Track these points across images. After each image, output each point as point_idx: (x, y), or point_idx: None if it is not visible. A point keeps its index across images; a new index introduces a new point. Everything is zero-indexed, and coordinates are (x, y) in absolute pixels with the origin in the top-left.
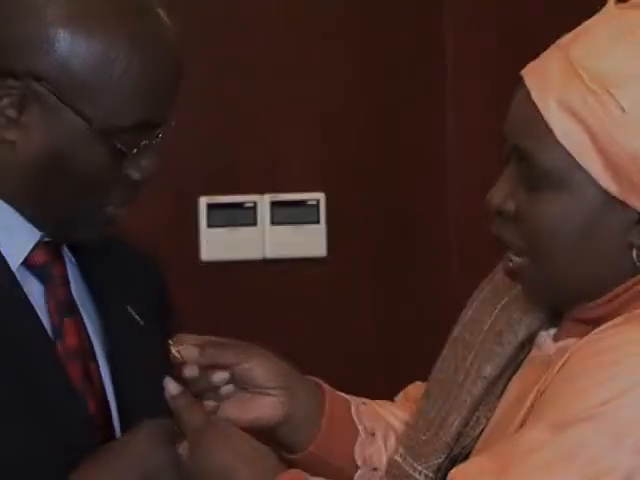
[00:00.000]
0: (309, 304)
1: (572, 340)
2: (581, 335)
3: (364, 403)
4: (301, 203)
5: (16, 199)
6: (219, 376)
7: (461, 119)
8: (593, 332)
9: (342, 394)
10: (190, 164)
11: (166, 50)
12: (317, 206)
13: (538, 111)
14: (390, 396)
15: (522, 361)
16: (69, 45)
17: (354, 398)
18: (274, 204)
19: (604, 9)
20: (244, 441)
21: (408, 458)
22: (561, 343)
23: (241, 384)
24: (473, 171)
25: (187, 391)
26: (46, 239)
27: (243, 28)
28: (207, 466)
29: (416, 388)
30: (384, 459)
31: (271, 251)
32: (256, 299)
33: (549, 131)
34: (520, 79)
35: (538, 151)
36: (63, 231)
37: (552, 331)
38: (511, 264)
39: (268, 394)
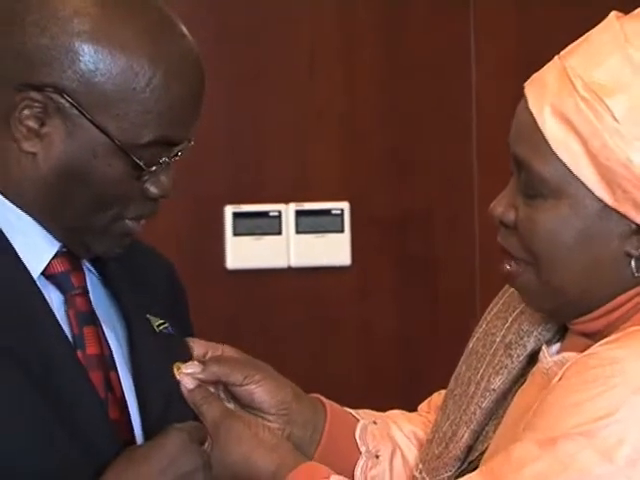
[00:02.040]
0: (333, 312)
1: (570, 354)
2: (581, 349)
3: (375, 422)
4: (326, 212)
5: (35, 209)
6: (190, 367)
7: (486, 127)
8: (593, 347)
9: (351, 411)
10: (216, 173)
11: (188, 68)
12: (341, 215)
13: (534, 120)
14: (411, 402)
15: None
16: (93, 59)
17: (366, 414)
18: (299, 213)
19: (605, 20)
20: (264, 429)
21: (423, 473)
22: (558, 357)
23: (243, 403)
24: (499, 179)
25: (203, 385)
26: (65, 249)
27: (270, 43)
28: (228, 453)
29: (439, 397)
30: (388, 479)
31: (296, 260)
32: (281, 307)
33: (544, 140)
34: (523, 89)
35: (534, 160)
36: (80, 243)
37: (557, 345)
38: (509, 267)
39: (267, 420)
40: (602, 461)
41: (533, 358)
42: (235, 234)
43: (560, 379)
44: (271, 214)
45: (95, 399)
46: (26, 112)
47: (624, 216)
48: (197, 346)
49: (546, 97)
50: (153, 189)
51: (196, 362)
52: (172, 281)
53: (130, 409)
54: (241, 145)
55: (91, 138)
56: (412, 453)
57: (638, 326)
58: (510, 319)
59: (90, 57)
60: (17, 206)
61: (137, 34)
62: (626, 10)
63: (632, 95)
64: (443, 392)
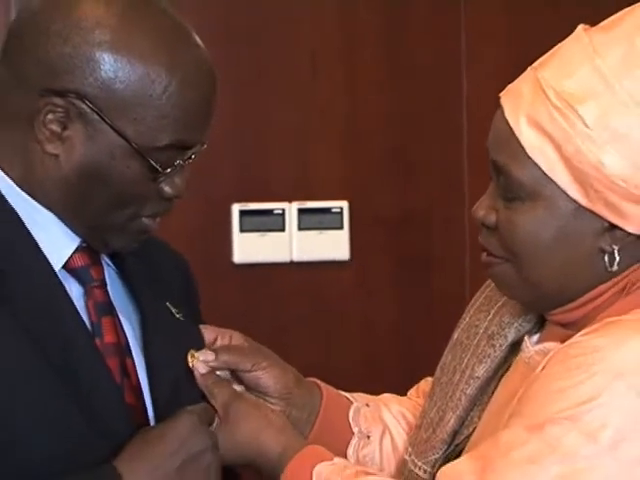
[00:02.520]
0: (332, 303)
1: (551, 344)
2: (561, 338)
3: (368, 405)
4: (326, 210)
5: (58, 207)
6: (204, 355)
7: (476, 130)
8: (576, 335)
9: (346, 395)
10: (224, 174)
11: (202, 76)
12: (341, 213)
13: (511, 128)
14: (406, 386)
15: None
16: (112, 67)
17: (360, 397)
18: (301, 211)
19: (574, 33)
20: (272, 411)
21: (412, 455)
22: (539, 346)
23: (249, 386)
24: (488, 180)
25: (213, 371)
26: (85, 244)
27: (273, 46)
28: (237, 433)
29: (427, 383)
30: (378, 458)
31: (298, 254)
32: (284, 298)
33: (520, 147)
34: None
35: (512, 166)
36: (100, 238)
37: (537, 335)
38: (490, 269)
39: (270, 402)
40: (587, 443)
41: (514, 347)
42: (242, 230)
43: (543, 368)
44: (275, 212)
45: (112, 384)
46: (49, 116)
47: (597, 215)
48: (208, 332)
49: (521, 107)
50: (168, 189)
51: (209, 351)
52: (186, 275)
53: (145, 394)
54: (247, 147)
55: (110, 141)
56: (400, 433)
57: (615, 317)
58: (492, 312)
59: (110, 65)
60: (40, 204)
61: (154, 44)
62: (614, 13)
63: (601, 103)
64: (430, 379)
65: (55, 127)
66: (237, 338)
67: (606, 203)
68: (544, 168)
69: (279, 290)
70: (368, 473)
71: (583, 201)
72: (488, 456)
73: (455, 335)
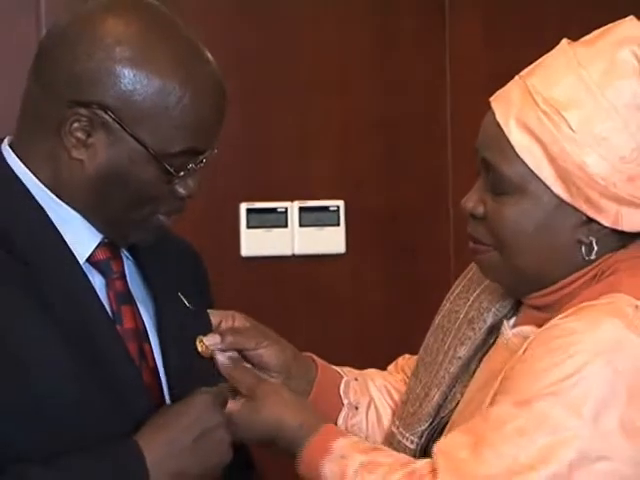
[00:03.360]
0: (329, 292)
1: (527, 328)
2: (535, 321)
3: (356, 379)
4: (324, 208)
5: (82, 206)
6: (211, 339)
7: (460, 137)
8: (554, 319)
9: (337, 369)
10: (233, 176)
11: (213, 89)
12: (337, 211)
13: (501, 130)
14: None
15: (491, 345)
16: (132, 81)
17: (350, 372)
18: (302, 209)
19: (558, 46)
20: (291, 394)
21: (400, 428)
22: (517, 329)
23: (251, 363)
24: (470, 181)
25: (235, 359)
26: (107, 240)
27: (277, 65)
28: (263, 411)
29: (404, 360)
30: (364, 428)
31: (299, 248)
32: (286, 288)
33: (510, 146)
34: (489, 104)
35: (502, 163)
36: (118, 234)
37: (513, 318)
38: (479, 256)
39: (271, 376)
40: (571, 416)
41: (492, 330)
42: (248, 227)
43: (525, 350)
44: (278, 210)
45: (131, 366)
46: (75, 125)
47: (576, 209)
48: (213, 316)
49: (511, 111)
50: (181, 190)
51: (216, 335)
52: (198, 266)
53: (160, 374)
54: (253, 153)
55: (130, 148)
56: (383, 405)
57: (586, 302)
58: (471, 298)
59: (130, 79)
60: (66, 203)
61: (169, 60)
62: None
63: (585, 109)
64: (407, 356)
65: (80, 135)
66: (239, 319)
67: (586, 199)
68: (531, 166)
69: (282, 280)
70: (379, 448)
71: (565, 196)
72: (479, 431)
73: (436, 320)
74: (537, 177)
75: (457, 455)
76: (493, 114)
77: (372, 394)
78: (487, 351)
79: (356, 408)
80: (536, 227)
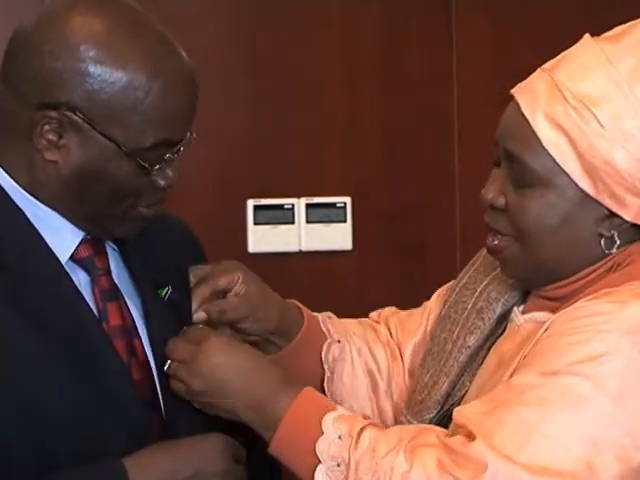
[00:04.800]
0: (336, 288)
1: (539, 313)
2: (547, 308)
3: (329, 317)
4: (331, 205)
5: (60, 206)
6: (199, 316)
7: (466, 135)
8: (579, 302)
9: (324, 328)
10: (241, 173)
11: (182, 81)
12: (344, 208)
13: (527, 121)
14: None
15: (500, 334)
16: (99, 79)
17: (320, 314)
18: (309, 206)
19: (581, 41)
20: (247, 354)
21: (408, 416)
22: (529, 315)
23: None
24: (476, 178)
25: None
26: (89, 237)
27: (287, 67)
28: (211, 375)
29: (390, 311)
30: (348, 358)
31: (306, 245)
32: (293, 284)
33: (536, 138)
34: (511, 97)
35: (527, 155)
36: (101, 229)
37: (521, 307)
38: (496, 242)
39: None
40: (596, 392)
41: (500, 320)
42: (255, 223)
43: (546, 329)
44: (286, 207)
45: (119, 364)
46: (46, 127)
47: (600, 204)
48: (220, 276)
49: (538, 104)
50: (161, 181)
51: (200, 312)
52: (188, 235)
53: (152, 370)
54: (261, 150)
55: (102, 146)
56: (356, 367)
57: (608, 289)
58: (479, 289)
59: (96, 78)
60: (45, 204)
61: (137, 55)
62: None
63: (614, 105)
64: (393, 308)
65: (52, 137)
66: (238, 284)
67: (611, 194)
68: (558, 159)
69: (289, 276)
70: (376, 425)
71: (591, 191)
72: (500, 398)
73: (442, 311)
74: (563, 171)
75: (476, 419)
76: (517, 105)
77: (347, 329)
78: (495, 340)
79: (338, 341)
80: (559, 220)
